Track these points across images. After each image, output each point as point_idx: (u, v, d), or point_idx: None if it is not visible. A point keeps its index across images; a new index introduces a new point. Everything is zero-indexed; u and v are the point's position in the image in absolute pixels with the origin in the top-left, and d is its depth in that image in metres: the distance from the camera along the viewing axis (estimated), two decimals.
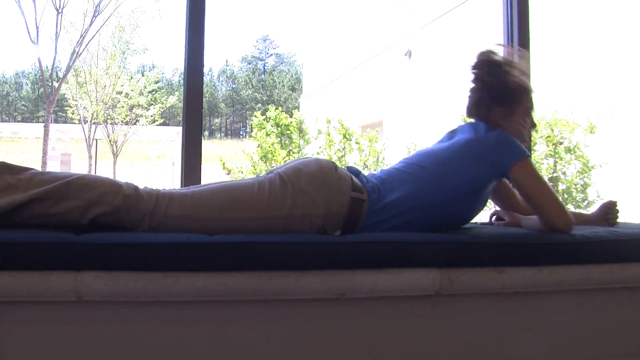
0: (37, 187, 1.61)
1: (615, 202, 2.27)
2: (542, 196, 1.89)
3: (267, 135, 8.23)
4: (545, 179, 1.88)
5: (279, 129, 8.22)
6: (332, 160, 7.17)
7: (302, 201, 1.76)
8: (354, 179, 1.89)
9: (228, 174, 8.24)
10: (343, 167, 1.96)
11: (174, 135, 19.96)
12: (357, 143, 7.83)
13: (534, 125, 2.17)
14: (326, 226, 1.80)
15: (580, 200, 6.76)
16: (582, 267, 1.82)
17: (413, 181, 1.93)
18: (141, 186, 1.75)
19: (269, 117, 8.26)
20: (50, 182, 1.63)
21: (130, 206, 1.67)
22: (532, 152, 5.75)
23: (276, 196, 1.75)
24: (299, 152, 7.84)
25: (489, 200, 2.13)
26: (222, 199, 1.74)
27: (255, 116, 8.31)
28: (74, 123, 18.85)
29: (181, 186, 2.49)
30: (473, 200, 1.95)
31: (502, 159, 1.92)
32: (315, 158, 1.91)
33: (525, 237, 1.84)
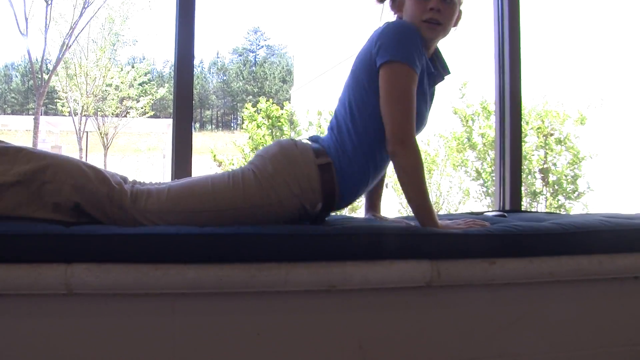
0: (23, 163, 1.61)
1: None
2: (390, 107, 1.82)
3: (258, 127, 8.22)
4: (412, 96, 1.81)
5: (270, 120, 8.21)
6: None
7: (275, 186, 1.77)
8: (314, 145, 1.89)
9: (219, 166, 8.23)
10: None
11: (165, 127, 19.88)
12: None
13: (437, 10, 1.89)
14: (305, 204, 1.80)
15: (570, 191, 6.78)
16: (572, 258, 1.82)
17: (343, 121, 1.92)
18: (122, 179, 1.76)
19: (260, 109, 8.25)
20: (38, 159, 1.63)
21: (114, 199, 1.68)
22: (523, 143, 5.76)
23: (250, 185, 1.76)
24: None
25: None
26: (200, 191, 1.75)
27: (246, 108, 8.30)
28: (64, 115, 18.73)
29: (172, 179, 2.49)
30: None
31: (376, 54, 1.85)
32: (275, 141, 1.92)
33: (516, 228, 1.84)
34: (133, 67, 20.08)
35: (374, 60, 1.86)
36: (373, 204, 2.25)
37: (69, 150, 18.00)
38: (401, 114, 1.81)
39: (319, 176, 1.82)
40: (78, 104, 17.71)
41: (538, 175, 6.86)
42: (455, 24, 1.98)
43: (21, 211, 1.62)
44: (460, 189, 7.55)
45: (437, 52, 2.05)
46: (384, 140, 1.86)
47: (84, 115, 17.75)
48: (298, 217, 1.83)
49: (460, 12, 1.98)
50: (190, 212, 1.72)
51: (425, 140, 7.69)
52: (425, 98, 1.94)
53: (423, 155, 1.93)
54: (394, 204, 7.33)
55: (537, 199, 6.80)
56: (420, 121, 1.93)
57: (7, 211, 1.61)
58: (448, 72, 2.08)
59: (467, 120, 7.04)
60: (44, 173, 1.62)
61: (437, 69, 2.01)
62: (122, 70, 19.03)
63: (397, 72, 1.82)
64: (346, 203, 1.94)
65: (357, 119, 1.88)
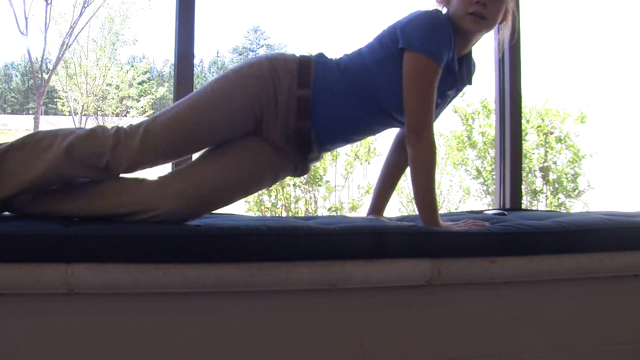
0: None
1: None
2: (411, 98, 1.83)
3: None
4: (431, 95, 1.84)
5: None
6: None
7: (247, 63, 1.87)
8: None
9: None
10: None
11: None
12: None
13: (483, 4, 1.86)
14: (276, 80, 1.81)
15: (571, 189, 6.78)
16: (573, 256, 1.82)
17: (347, 56, 1.96)
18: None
19: None
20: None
21: (105, 129, 1.76)
22: (524, 142, 5.75)
23: (223, 75, 1.86)
24: None
25: None
26: (179, 103, 1.83)
27: None
28: (65, 115, 18.70)
29: None
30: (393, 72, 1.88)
31: (402, 35, 1.86)
32: None
33: (516, 226, 1.84)
34: (132, 66, 20.07)
35: (398, 38, 1.86)
36: (377, 207, 2.24)
37: None
38: (419, 107, 1.83)
39: (296, 66, 1.85)
40: (78, 103, 17.69)
41: (538, 174, 6.85)
42: (502, 21, 1.97)
43: (18, 176, 1.66)
44: (460, 187, 7.53)
45: (468, 57, 2.04)
46: (367, 104, 1.89)
47: (84, 115, 17.73)
48: (275, 101, 1.82)
49: (507, 10, 1.96)
50: (175, 123, 1.78)
51: None
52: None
53: None
54: (394, 203, 7.33)
55: (538, 197, 6.80)
56: None
57: (4, 177, 1.66)
58: (469, 82, 2.07)
59: (467, 119, 7.03)
60: (34, 136, 1.72)
61: (460, 72, 1.99)
62: (121, 69, 19.01)
63: (422, 66, 1.83)
64: (319, 126, 1.88)
65: (360, 58, 1.92)
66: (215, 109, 1.79)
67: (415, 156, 1.85)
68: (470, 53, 2.04)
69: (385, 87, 1.87)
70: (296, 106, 1.84)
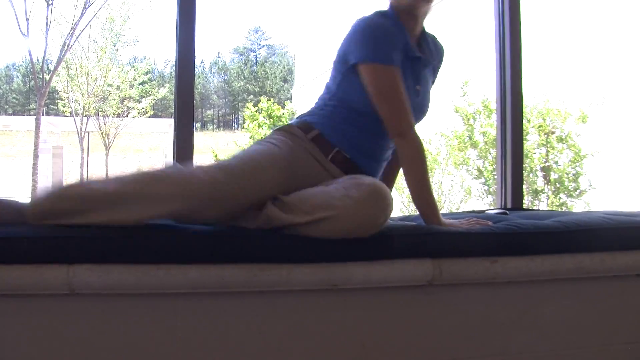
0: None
1: None
2: (381, 106, 1.85)
3: (260, 126, 8.24)
4: (401, 92, 1.85)
5: (271, 120, 8.23)
6: None
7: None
8: None
9: None
10: None
11: (166, 127, 19.86)
12: None
13: None
14: (289, 136, 1.86)
15: (572, 189, 6.78)
16: (574, 256, 1.82)
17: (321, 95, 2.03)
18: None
19: (261, 109, 8.26)
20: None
21: None
22: (525, 141, 5.74)
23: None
24: None
25: None
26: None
27: (248, 108, 8.31)
28: (66, 116, 18.71)
29: None
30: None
31: (348, 54, 1.90)
32: None
33: (517, 226, 1.84)
34: (133, 67, 20.07)
35: (347, 58, 1.91)
36: None
37: (71, 150, 18.02)
38: (392, 111, 1.85)
39: (288, 127, 1.92)
40: (79, 104, 17.70)
41: (540, 174, 6.86)
42: None
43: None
44: (461, 187, 7.55)
45: (423, 36, 2.03)
46: (362, 119, 1.90)
47: (85, 116, 17.74)
48: (301, 149, 1.85)
49: None
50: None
51: (427, 139, 7.67)
52: (407, 85, 1.92)
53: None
54: (395, 203, 7.32)
55: (539, 197, 6.81)
56: (412, 109, 1.92)
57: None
58: (437, 56, 2.08)
59: (469, 119, 7.05)
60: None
61: (424, 53, 1.99)
62: (122, 70, 19.02)
63: (378, 74, 1.85)
64: (348, 151, 1.90)
65: (327, 90, 2.00)
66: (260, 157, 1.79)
67: (404, 157, 1.88)
68: (424, 30, 2.04)
69: (357, 101, 1.90)
70: (316, 146, 1.87)
